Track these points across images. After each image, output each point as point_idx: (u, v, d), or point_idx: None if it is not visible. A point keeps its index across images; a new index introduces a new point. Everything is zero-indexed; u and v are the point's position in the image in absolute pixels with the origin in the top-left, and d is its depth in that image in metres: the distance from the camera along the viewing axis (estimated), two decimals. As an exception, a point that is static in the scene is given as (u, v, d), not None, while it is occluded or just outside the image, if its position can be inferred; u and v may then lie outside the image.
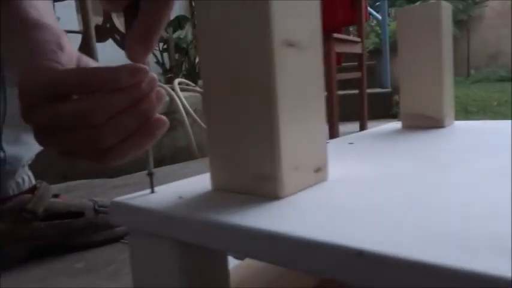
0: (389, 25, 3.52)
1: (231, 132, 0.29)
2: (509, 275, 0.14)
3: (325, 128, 0.31)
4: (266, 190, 0.27)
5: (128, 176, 1.28)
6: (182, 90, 1.77)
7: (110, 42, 1.99)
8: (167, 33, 2.84)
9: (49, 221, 0.62)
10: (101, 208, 0.67)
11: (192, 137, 1.60)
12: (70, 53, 0.32)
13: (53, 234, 0.62)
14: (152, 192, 0.32)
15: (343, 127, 2.03)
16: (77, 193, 1.00)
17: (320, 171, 0.31)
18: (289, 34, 0.27)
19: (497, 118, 1.93)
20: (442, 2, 0.63)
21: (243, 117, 0.28)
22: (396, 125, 0.69)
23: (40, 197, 0.63)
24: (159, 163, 1.47)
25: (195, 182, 0.34)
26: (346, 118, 2.30)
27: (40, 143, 0.30)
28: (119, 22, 1.96)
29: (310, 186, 0.30)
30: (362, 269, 0.18)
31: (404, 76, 0.64)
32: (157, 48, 2.91)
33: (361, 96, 1.93)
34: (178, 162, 1.51)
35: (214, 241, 0.25)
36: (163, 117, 0.30)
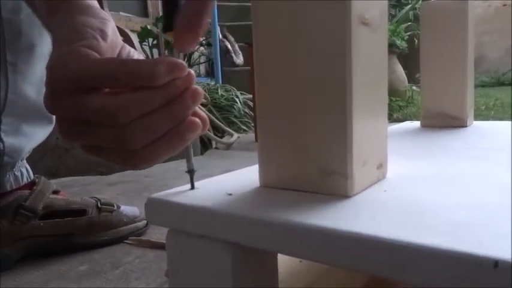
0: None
1: (289, 125, 0.25)
2: None
3: (386, 104, 0.28)
4: (332, 187, 0.24)
5: (122, 173, 1.23)
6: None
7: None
8: (157, 28, 2.78)
9: (49, 219, 0.57)
10: (104, 206, 0.63)
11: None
12: (112, 41, 0.29)
13: (53, 233, 0.57)
14: (192, 188, 0.28)
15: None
16: (71, 190, 0.95)
17: (381, 167, 0.28)
18: (364, 11, 0.24)
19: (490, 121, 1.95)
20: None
21: (308, 107, 0.24)
22: (413, 124, 0.67)
23: (39, 193, 0.58)
24: (152, 160, 1.42)
25: (239, 178, 0.30)
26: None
27: (63, 135, 0.27)
28: (109, 14, 1.90)
29: (374, 183, 0.27)
30: (495, 281, 0.15)
31: (426, 74, 0.62)
32: (146, 44, 2.86)
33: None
34: (174, 160, 1.47)
35: (282, 244, 0.21)
36: (197, 120, 0.27)
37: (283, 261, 0.42)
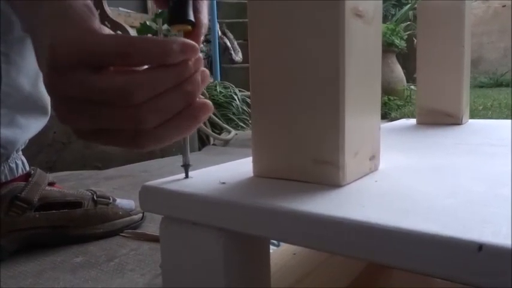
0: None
1: (283, 116, 0.26)
2: None
3: (379, 97, 0.29)
4: (324, 177, 0.25)
5: (118, 168, 1.24)
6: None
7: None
8: (156, 24, 2.77)
9: (44, 211, 0.58)
10: (100, 199, 0.63)
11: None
12: (97, 17, 0.28)
13: (48, 225, 0.57)
14: (187, 177, 0.28)
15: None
16: (67, 184, 0.95)
17: (374, 159, 0.28)
18: (358, 2, 0.24)
19: (487, 122, 1.96)
20: (465, -3, 0.61)
21: (301, 100, 0.25)
22: (409, 121, 0.67)
23: (35, 184, 0.58)
24: (150, 155, 1.42)
25: (232, 169, 0.30)
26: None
27: (62, 118, 0.26)
28: (109, 9, 1.90)
29: (366, 174, 0.27)
30: (479, 264, 0.15)
31: (423, 72, 0.62)
32: (145, 40, 2.85)
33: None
34: (168, 156, 1.47)
35: (275, 231, 0.22)
36: (208, 101, 0.27)
37: (278, 254, 0.42)
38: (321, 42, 0.24)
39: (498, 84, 6.17)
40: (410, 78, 3.21)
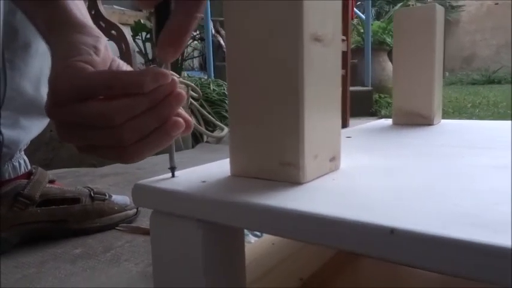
0: (372, 24, 3.58)
1: (255, 123, 0.30)
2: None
3: (339, 107, 0.33)
4: (288, 176, 0.29)
5: (113, 165, 1.28)
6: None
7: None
8: (151, 22, 2.81)
9: (45, 206, 0.62)
10: (97, 195, 0.68)
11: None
12: (104, 56, 0.33)
13: (49, 219, 0.62)
14: (173, 176, 0.33)
15: (326, 123, 2.06)
16: (65, 181, 0.99)
17: (334, 160, 0.33)
18: (316, 28, 0.29)
19: (473, 118, 2.02)
20: (437, 4, 0.66)
21: (269, 109, 0.29)
22: (386, 121, 0.72)
23: (36, 182, 0.62)
24: (144, 153, 1.46)
25: (213, 169, 0.35)
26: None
27: (62, 138, 0.32)
28: (103, 9, 1.93)
29: (326, 173, 0.32)
30: (392, 244, 0.20)
31: (398, 75, 0.67)
32: (139, 38, 2.88)
33: (344, 94, 1.97)
34: (163, 154, 1.51)
35: (244, 221, 0.26)
36: (180, 120, 0.32)
37: (259, 243, 0.47)
38: (284, 63, 0.28)
39: (490, 81, 6.24)
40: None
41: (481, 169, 0.32)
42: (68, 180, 1.03)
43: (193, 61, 4.07)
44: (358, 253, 0.21)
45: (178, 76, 2.02)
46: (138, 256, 0.56)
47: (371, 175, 0.31)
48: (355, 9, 3.07)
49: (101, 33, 0.36)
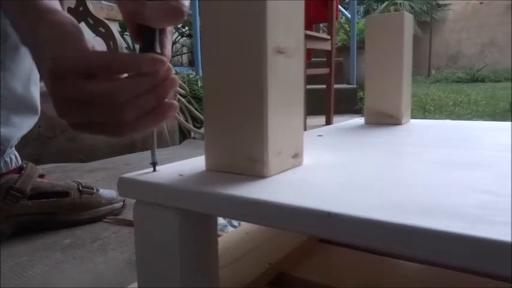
0: (357, 23, 3.64)
1: (226, 124, 0.34)
2: (444, 229, 0.21)
3: (302, 111, 0.37)
4: (254, 171, 0.33)
5: (101, 160, 1.31)
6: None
7: (81, 25, 1.97)
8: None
9: (36, 199, 0.65)
10: (85, 189, 0.71)
11: (164, 124, 1.63)
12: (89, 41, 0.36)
13: (40, 212, 0.65)
14: (154, 170, 0.37)
15: (310, 120, 2.11)
16: (54, 176, 1.02)
17: (297, 156, 0.37)
18: (279, 42, 0.33)
19: (451, 118, 2.10)
20: (405, 12, 0.71)
21: (238, 112, 0.33)
22: (360, 120, 0.76)
23: (27, 176, 0.66)
24: (130, 149, 1.50)
25: (190, 164, 0.39)
26: (314, 112, 2.38)
27: (61, 113, 0.34)
28: (91, 6, 1.95)
29: (289, 168, 0.36)
30: (329, 226, 0.24)
31: (369, 78, 0.71)
32: (128, 34, 2.89)
33: (328, 91, 2.02)
34: (148, 150, 1.55)
35: (215, 209, 0.30)
36: (175, 102, 0.36)
37: (234, 233, 0.51)
38: (251, 71, 0.32)
39: (474, 79, 6.36)
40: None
41: (424, 165, 0.37)
42: (56, 174, 1.06)
43: (182, 57, 4.09)
44: (306, 234, 0.25)
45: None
46: (123, 246, 0.60)
47: (327, 170, 0.36)
48: (341, 8, 3.12)
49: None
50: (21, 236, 0.63)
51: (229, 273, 0.40)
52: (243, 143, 0.34)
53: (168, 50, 0.38)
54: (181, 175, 0.35)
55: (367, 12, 7.16)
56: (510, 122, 0.65)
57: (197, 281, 0.35)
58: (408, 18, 0.69)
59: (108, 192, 0.75)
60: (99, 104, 0.33)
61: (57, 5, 0.40)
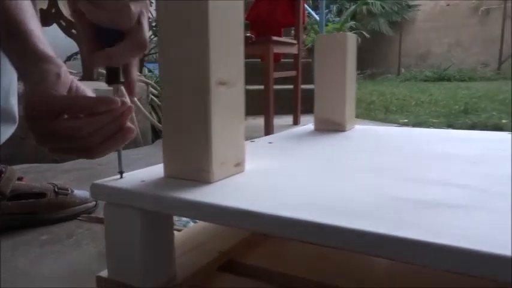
0: (327, 25, 3.77)
1: (180, 139, 0.42)
2: (351, 226, 0.30)
3: (242, 129, 0.46)
4: (202, 178, 0.42)
5: (74, 161, 1.36)
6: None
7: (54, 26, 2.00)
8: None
9: (15, 200, 0.72)
10: (61, 190, 0.78)
11: (136, 125, 1.69)
12: (64, 80, 0.45)
13: (19, 212, 0.72)
14: (121, 177, 0.45)
15: (278, 120, 2.21)
16: (28, 177, 1.07)
17: (239, 165, 0.46)
18: (222, 75, 0.41)
19: (411, 117, 2.23)
20: (348, 33, 0.80)
21: (189, 131, 0.42)
22: (311, 127, 0.86)
23: (7, 179, 0.72)
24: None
25: (151, 171, 0.47)
26: (284, 111, 2.48)
27: (39, 144, 0.43)
28: (64, 8, 1.98)
29: (232, 175, 0.45)
30: (247, 221, 0.33)
31: (317, 89, 0.81)
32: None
33: (296, 92, 2.12)
34: (123, 149, 1.61)
35: (169, 209, 0.39)
36: (132, 126, 0.44)
37: (192, 228, 0.59)
38: (198, 100, 0.40)
39: (441, 78, 6.61)
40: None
41: (348, 170, 0.46)
42: (31, 175, 1.12)
43: (155, 55, 4.11)
44: (232, 227, 0.34)
45: (139, 74, 2.10)
46: (96, 241, 0.67)
47: (263, 175, 0.45)
48: (310, 10, 3.23)
49: (61, 61, 0.47)
50: (1, 234, 0.70)
51: (185, 260, 0.48)
52: (194, 156, 0.42)
53: (133, 75, 0.46)
54: (143, 181, 0.43)
55: (339, 12, 7.32)
56: (446, 129, 0.76)
57: (156, 267, 0.43)
58: (351, 38, 0.79)
59: (81, 192, 0.82)
60: (66, 137, 0.42)
61: (49, 48, 0.48)
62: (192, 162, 0.42)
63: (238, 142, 0.45)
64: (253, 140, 0.69)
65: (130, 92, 0.45)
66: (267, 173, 0.46)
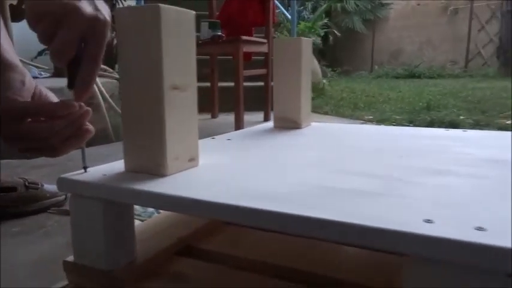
0: (299, 23, 3.85)
1: (138, 137, 0.48)
2: (259, 207, 0.36)
3: (195, 128, 0.52)
4: (157, 172, 0.47)
5: (44, 158, 1.38)
6: (99, 76, 1.87)
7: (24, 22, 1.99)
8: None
9: (-14, 194, 0.76)
10: (31, 184, 0.82)
11: (108, 121, 1.72)
12: (29, 86, 0.49)
13: (-10, 205, 0.76)
14: (85, 172, 0.50)
15: (249, 117, 2.27)
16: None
17: (193, 160, 0.51)
18: (175, 81, 0.47)
19: (376, 114, 2.33)
20: (303, 38, 0.87)
21: (145, 130, 0.47)
22: (270, 124, 0.92)
23: (-22, 175, 0.76)
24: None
25: (113, 166, 0.52)
26: (255, 108, 2.54)
27: (7, 144, 0.47)
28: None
29: (186, 169, 0.50)
30: (195, 208, 0.39)
31: (276, 89, 0.87)
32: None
33: (266, 90, 2.18)
34: (94, 145, 1.64)
35: (126, 198, 0.44)
36: (91, 126, 0.49)
37: (156, 217, 0.65)
38: (153, 103, 0.46)
39: (411, 75, 6.82)
40: (325, 73, 3.55)
41: (292, 164, 0.52)
42: (2, 171, 1.14)
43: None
44: (183, 214, 0.40)
45: (111, 71, 2.13)
46: (65, 231, 0.72)
47: (214, 169, 0.50)
48: (282, 9, 3.30)
49: (25, 70, 0.52)
50: (-26, 226, 0.74)
51: (145, 246, 0.53)
52: (150, 152, 0.47)
53: (84, 79, 0.49)
54: (105, 174, 0.48)
55: (314, 9, 7.41)
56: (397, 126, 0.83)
57: (117, 251, 0.48)
58: (306, 43, 0.85)
59: (51, 187, 0.86)
60: (29, 139, 0.47)
61: (15, 56, 0.52)
62: (149, 158, 0.48)
63: (191, 139, 0.51)
64: (214, 137, 0.75)
65: (78, 98, 0.48)
66: (218, 167, 0.51)
